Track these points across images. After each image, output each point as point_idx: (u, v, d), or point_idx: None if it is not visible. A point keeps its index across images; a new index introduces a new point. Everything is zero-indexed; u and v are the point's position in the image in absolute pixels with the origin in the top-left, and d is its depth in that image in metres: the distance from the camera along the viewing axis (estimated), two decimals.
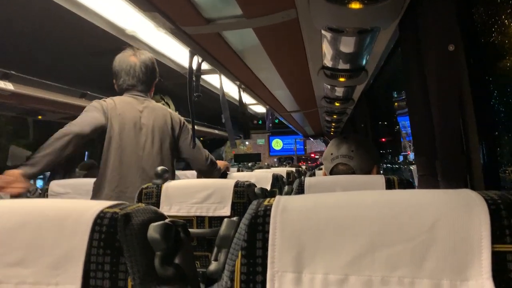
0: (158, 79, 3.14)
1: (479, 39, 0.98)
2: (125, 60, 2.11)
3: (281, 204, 0.55)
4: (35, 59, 2.58)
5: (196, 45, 1.29)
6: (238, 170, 4.44)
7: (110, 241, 0.57)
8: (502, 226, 0.48)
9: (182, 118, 2.16)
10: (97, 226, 0.58)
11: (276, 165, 6.80)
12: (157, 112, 2.05)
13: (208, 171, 2.08)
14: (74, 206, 0.61)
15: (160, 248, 0.59)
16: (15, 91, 2.21)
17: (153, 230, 0.60)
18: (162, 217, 0.65)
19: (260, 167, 4.43)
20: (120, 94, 2.09)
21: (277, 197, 0.58)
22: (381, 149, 3.83)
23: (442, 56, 0.93)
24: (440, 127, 0.96)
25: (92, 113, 1.88)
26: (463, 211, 0.49)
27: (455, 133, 0.91)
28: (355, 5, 0.91)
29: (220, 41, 1.26)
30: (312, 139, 8.68)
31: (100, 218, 0.59)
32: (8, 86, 2.15)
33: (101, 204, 0.61)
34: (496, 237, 0.47)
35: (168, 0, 0.95)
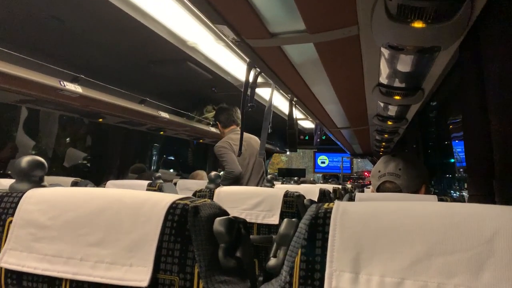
0: (212, 90, 3.30)
1: None
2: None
3: (341, 208, 0.58)
4: (102, 65, 2.76)
5: (256, 58, 1.35)
6: (282, 183, 4.46)
7: (181, 230, 0.63)
8: None
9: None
10: (170, 215, 0.64)
11: (321, 181, 6.75)
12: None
13: None
14: (149, 196, 0.67)
15: (224, 241, 0.64)
16: (82, 93, 2.38)
17: (219, 224, 0.65)
18: (225, 213, 0.70)
19: (304, 182, 4.43)
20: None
21: (336, 202, 0.61)
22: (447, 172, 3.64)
23: (505, 77, 0.93)
24: (501, 148, 0.95)
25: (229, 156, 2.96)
26: None
27: None
28: (418, 24, 0.93)
29: (280, 54, 1.31)
30: (360, 159, 8.54)
31: (172, 208, 0.64)
32: (77, 88, 2.32)
33: (173, 196, 0.67)
34: None
35: (237, 14, 1.02)
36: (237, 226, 0.67)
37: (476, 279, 0.50)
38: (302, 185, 3.22)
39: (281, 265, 0.60)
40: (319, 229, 0.57)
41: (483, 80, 1.08)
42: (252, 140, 3.20)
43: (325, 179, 7.70)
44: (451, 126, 3.07)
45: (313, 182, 5.37)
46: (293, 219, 0.66)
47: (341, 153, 7.74)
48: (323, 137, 6.29)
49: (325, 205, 0.61)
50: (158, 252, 0.62)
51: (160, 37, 2.16)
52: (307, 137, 7.03)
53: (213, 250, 0.64)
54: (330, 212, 0.58)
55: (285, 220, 0.66)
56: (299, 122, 5.16)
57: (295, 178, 4.07)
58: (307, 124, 5.66)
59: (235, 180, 2.90)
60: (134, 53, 2.61)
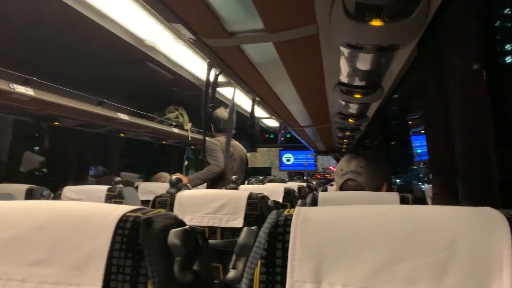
0: (174, 90, 3.26)
1: (498, 59, 0.99)
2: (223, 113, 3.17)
3: (301, 214, 0.56)
4: (55, 66, 2.63)
5: (215, 57, 1.32)
6: (248, 183, 4.43)
7: (132, 245, 0.58)
8: None
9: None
10: (120, 229, 0.59)
11: (287, 179, 6.78)
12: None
13: None
14: (98, 208, 0.63)
15: (180, 254, 0.60)
16: (35, 96, 2.25)
17: (173, 236, 0.61)
18: (181, 223, 0.66)
19: (273, 180, 4.42)
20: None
21: (297, 207, 0.58)
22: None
23: (466, 74, 0.94)
24: (463, 146, 0.96)
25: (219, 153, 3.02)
26: (484, 228, 0.49)
27: (478, 152, 0.91)
28: (376, 23, 0.92)
29: (239, 54, 1.28)
30: (323, 156, 8.65)
31: (122, 221, 0.60)
32: (29, 91, 2.20)
33: (124, 208, 0.62)
34: None
35: (193, 13, 0.98)
36: (194, 237, 0.63)
37: (439, 285, 0.48)
38: (267, 184, 3.21)
39: (241, 277, 0.57)
40: (279, 238, 0.55)
41: (443, 78, 1.09)
42: (237, 145, 3.39)
43: (291, 177, 7.74)
44: (410, 122, 3.15)
45: (284, 180, 5.35)
46: (253, 227, 0.63)
47: (306, 150, 7.80)
48: (288, 135, 6.32)
49: (286, 212, 0.58)
50: (107, 270, 0.57)
51: (116, 37, 2.07)
52: (272, 136, 7.03)
53: (168, 264, 0.60)
54: (291, 220, 0.56)
55: (245, 228, 0.63)
56: (264, 120, 5.14)
57: (260, 177, 4.05)
58: (272, 122, 5.65)
59: (218, 177, 3.04)
60: (90, 53, 2.51)
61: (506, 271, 0.47)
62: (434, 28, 1.08)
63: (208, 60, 1.80)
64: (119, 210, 0.62)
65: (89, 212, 0.62)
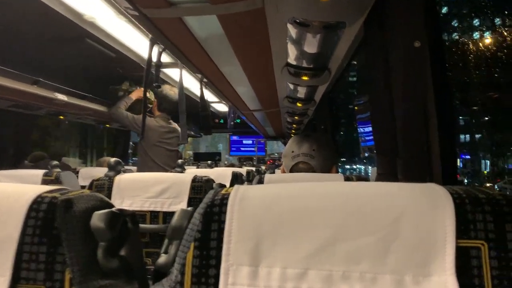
0: (118, 70, 3.09)
1: (441, 37, 1.00)
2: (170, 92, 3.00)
3: (239, 193, 0.51)
4: None
5: (157, 31, 1.23)
6: (198, 168, 4.36)
7: (47, 229, 0.51)
8: (467, 221, 0.46)
9: None
10: (33, 212, 0.52)
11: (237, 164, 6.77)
12: None
13: None
14: (10, 190, 0.55)
15: (104, 238, 0.54)
16: None
17: (97, 218, 0.54)
18: (108, 205, 0.60)
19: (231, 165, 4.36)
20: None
21: (236, 186, 0.54)
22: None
23: (408, 52, 0.93)
24: (403, 125, 0.96)
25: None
26: (428, 204, 0.47)
27: (418, 131, 0.91)
28: None
29: (182, 28, 1.21)
30: (273, 141, 8.70)
31: (37, 203, 0.52)
32: None
33: (40, 188, 0.55)
34: (461, 232, 0.46)
35: None
36: (123, 220, 0.57)
37: (382, 264, 0.46)
38: (215, 168, 3.16)
39: (172, 262, 0.52)
40: (214, 218, 0.50)
41: (388, 58, 1.09)
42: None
43: (240, 162, 7.74)
44: (356, 108, 3.21)
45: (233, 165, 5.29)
46: (189, 208, 0.58)
47: (256, 135, 7.81)
48: (238, 120, 6.28)
49: (223, 191, 0.53)
50: (18, 258, 0.50)
51: (52, 10, 1.91)
52: (222, 121, 6.95)
53: (90, 250, 0.53)
54: (228, 198, 0.51)
55: (179, 210, 0.58)
56: (213, 105, 5.07)
57: (208, 162, 3.99)
58: (221, 107, 5.59)
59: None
60: (24, 28, 2.31)
61: (449, 247, 0.45)
62: (380, 8, 1.07)
63: (150, 36, 1.70)
64: (34, 191, 0.54)
65: (0, 194, 0.54)
